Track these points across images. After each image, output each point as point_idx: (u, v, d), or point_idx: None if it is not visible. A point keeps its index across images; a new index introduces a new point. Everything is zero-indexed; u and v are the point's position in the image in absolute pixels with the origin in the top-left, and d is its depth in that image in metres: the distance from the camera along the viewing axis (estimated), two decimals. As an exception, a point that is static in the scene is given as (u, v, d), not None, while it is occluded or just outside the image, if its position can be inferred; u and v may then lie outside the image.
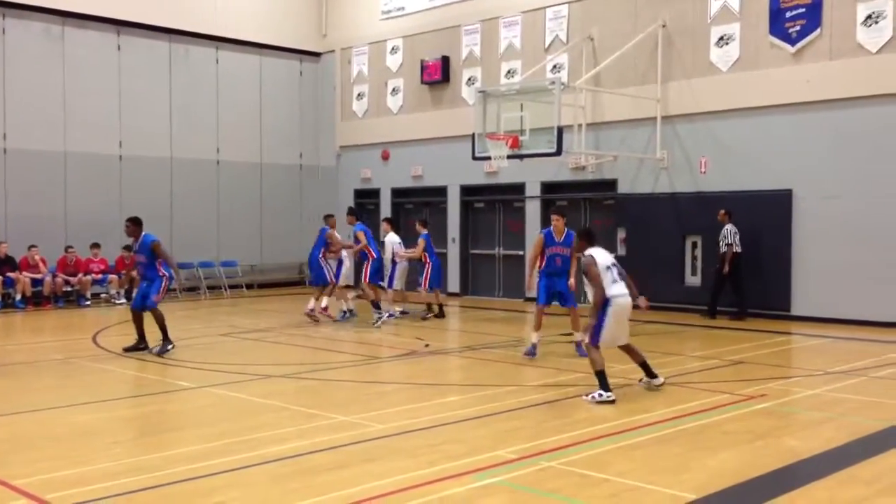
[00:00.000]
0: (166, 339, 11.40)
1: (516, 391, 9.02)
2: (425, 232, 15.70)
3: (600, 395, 8.28)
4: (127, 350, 11.58)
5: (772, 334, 13.27)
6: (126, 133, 20.01)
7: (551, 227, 11.11)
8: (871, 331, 13.45)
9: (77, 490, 5.65)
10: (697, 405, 8.29)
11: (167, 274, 11.59)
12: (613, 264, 8.70)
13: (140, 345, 11.62)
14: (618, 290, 8.53)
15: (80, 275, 18.25)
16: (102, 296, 18.86)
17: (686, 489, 5.67)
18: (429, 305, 15.87)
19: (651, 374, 8.94)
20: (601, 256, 8.65)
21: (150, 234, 11.63)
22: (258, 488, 5.76)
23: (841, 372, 10.21)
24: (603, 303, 8.42)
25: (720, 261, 15.18)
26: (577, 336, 10.93)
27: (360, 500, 5.43)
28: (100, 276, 18.67)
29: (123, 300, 18.67)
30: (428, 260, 15.42)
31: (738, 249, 15.10)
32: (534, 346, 11.00)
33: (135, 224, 11.56)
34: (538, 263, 11.09)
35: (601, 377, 8.34)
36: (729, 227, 15.12)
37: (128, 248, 19.05)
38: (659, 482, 5.82)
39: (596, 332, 8.45)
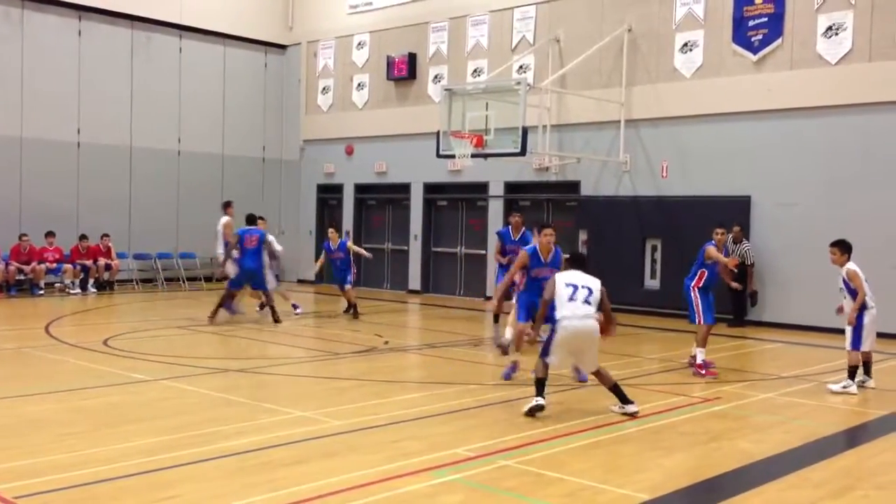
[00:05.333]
0: (215, 311, 13.98)
1: (476, 389, 9.05)
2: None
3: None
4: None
5: (728, 338, 13.46)
6: (85, 120, 19.67)
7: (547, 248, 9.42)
8: (824, 337, 13.67)
9: (28, 482, 5.54)
10: (654, 406, 8.39)
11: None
12: (581, 286, 7.90)
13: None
14: (569, 311, 7.77)
15: (33, 263, 17.92)
16: (56, 285, 18.53)
17: (641, 489, 5.74)
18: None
19: (625, 400, 7.99)
20: (566, 275, 8.07)
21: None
22: (215, 482, 5.71)
23: (794, 377, 10.40)
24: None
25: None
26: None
27: (318, 495, 5.41)
28: (54, 265, 18.34)
29: (78, 290, 18.39)
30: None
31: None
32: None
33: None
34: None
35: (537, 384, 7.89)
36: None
37: (84, 237, 18.80)
38: (614, 482, 5.88)
39: (545, 346, 7.95)
